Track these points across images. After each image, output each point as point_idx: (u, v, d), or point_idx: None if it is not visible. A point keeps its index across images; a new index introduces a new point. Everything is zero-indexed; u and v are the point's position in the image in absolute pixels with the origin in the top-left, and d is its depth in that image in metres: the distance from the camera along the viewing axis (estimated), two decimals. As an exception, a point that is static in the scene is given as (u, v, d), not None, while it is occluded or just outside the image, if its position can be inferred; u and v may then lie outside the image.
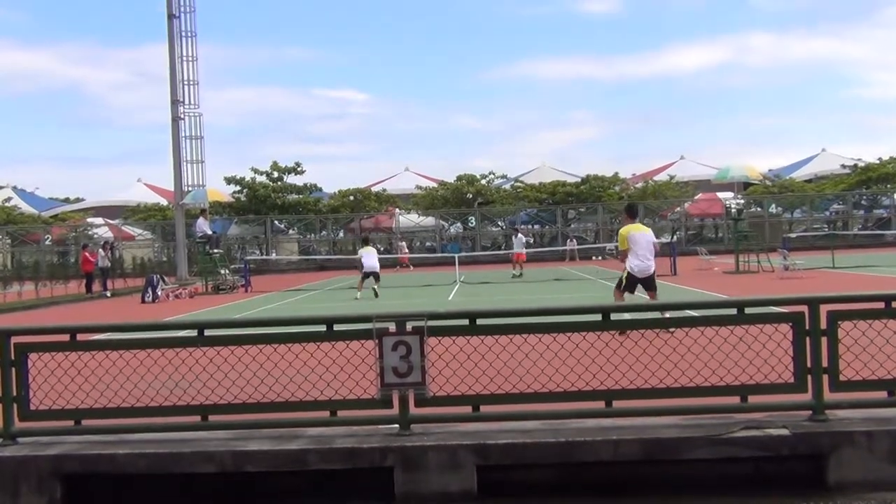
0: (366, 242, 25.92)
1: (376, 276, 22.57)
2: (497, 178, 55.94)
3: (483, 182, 53.17)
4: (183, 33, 32.26)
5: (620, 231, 11.75)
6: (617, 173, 53.66)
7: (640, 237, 11.43)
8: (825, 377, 5.37)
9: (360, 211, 51.48)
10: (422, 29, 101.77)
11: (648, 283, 11.44)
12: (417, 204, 53.14)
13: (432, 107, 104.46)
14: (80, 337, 5.86)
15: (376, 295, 22.05)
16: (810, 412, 5.41)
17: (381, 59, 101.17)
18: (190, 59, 32.35)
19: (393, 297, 21.85)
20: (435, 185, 54.89)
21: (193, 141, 32.73)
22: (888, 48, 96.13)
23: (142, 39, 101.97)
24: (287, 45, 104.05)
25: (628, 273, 11.29)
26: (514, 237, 32.00)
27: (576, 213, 52.45)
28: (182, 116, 32.23)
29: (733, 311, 5.58)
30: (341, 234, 54.11)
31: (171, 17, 31.81)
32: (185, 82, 32.25)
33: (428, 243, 51.75)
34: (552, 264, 37.15)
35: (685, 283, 22.38)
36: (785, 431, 5.24)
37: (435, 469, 5.23)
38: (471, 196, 51.26)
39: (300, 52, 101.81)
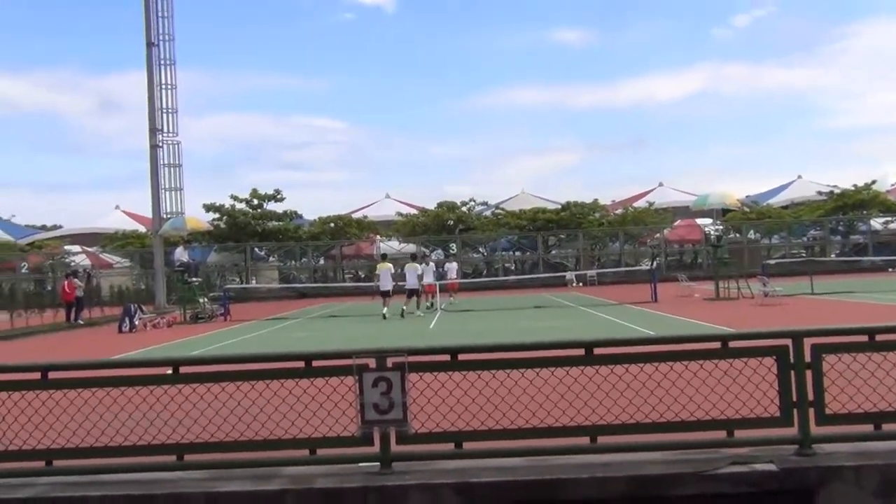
0: (383, 258, 27.32)
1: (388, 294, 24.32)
2: (477, 204, 56.16)
3: (463, 209, 53.31)
4: (162, 61, 32.32)
5: None
6: (597, 200, 54.10)
7: None
8: (811, 411, 5.32)
9: (340, 238, 51.35)
10: (399, 58, 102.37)
11: None
12: (398, 231, 53.11)
13: (411, 135, 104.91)
14: (52, 374, 5.69)
15: (384, 317, 23.32)
16: (797, 446, 5.35)
17: (359, 89, 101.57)
18: (169, 86, 32.40)
19: (374, 325, 21.72)
20: (416, 211, 54.95)
21: (172, 168, 32.72)
22: (855, 78, 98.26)
23: (121, 66, 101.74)
24: (264, 72, 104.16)
25: None
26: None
27: (556, 239, 52.61)
28: (160, 144, 32.19)
29: (717, 345, 5.53)
30: (322, 261, 53.91)
31: (149, 45, 31.87)
32: (164, 110, 32.27)
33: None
34: (533, 291, 37.14)
35: (666, 310, 22.44)
36: (772, 466, 5.17)
37: (417, 509, 5.10)
38: (451, 223, 51.33)
39: (277, 80, 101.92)
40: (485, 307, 27.48)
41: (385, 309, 23.75)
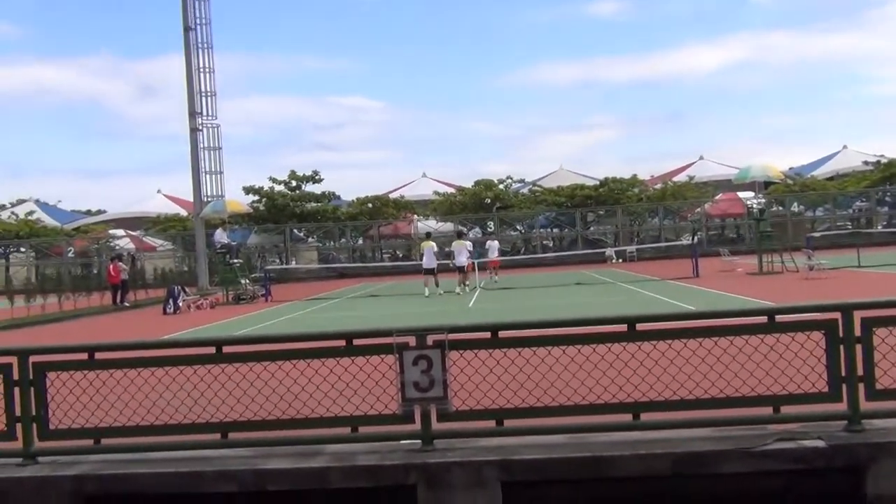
0: (427, 237, 27.81)
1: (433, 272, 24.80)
2: (515, 182, 55.83)
3: (501, 187, 53.03)
4: (199, 45, 32.43)
5: None
6: (635, 175, 53.38)
7: None
8: (860, 386, 5.20)
9: (378, 218, 51.49)
10: (434, 37, 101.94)
11: None
12: (436, 210, 53.05)
13: (447, 113, 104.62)
14: (98, 355, 5.79)
15: (439, 293, 24.12)
16: (846, 422, 5.23)
17: (393, 68, 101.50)
18: (206, 70, 32.50)
19: (413, 304, 21.77)
20: (452, 190, 54.80)
21: (212, 152, 32.86)
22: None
23: (159, 51, 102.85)
24: (300, 53, 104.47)
25: None
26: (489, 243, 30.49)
27: (595, 215, 52.13)
28: (200, 127, 32.37)
29: (763, 319, 5.41)
30: (360, 241, 54.16)
31: (187, 29, 31.99)
32: (203, 93, 32.40)
33: (447, 249, 51.66)
34: (572, 268, 36.91)
35: (709, 285, 22.13)
36: (820, 443, 5.06)
37: (459, 486, 5.10)
38: (489, 201, 51.11)
39: (313, 61, 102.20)
40: (524, 285, 27.37)
41: (437, 287, 24.25)
